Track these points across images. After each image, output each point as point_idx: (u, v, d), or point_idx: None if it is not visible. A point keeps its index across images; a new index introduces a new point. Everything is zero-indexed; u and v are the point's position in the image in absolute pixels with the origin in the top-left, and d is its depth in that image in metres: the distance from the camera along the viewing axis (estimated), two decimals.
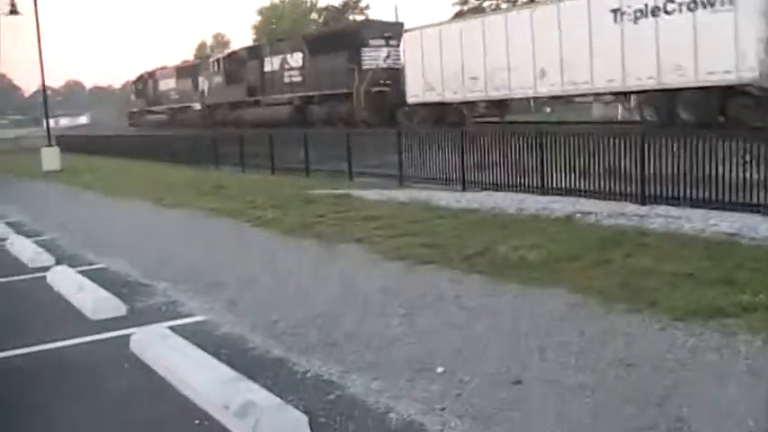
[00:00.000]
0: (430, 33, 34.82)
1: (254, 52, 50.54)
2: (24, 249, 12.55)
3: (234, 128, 44.48)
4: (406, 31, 37.59)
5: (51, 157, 33.56)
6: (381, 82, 38.12)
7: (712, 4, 22.96)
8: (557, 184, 15.27)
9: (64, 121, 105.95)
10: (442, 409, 5.20)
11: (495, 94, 31.39)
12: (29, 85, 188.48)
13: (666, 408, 4.98)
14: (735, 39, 22.25)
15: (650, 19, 24.91)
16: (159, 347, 6.56)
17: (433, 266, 9.20)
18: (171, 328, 7.22)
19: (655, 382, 5.38)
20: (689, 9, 23.60)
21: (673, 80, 24.27)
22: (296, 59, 44.29)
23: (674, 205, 12.67)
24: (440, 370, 5.89)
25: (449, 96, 33.43)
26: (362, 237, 11.26)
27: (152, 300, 8.97)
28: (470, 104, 33.30)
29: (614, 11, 25.82)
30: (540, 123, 29.69)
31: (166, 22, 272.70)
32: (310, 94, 42.34)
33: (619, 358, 5.86)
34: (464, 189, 16.94)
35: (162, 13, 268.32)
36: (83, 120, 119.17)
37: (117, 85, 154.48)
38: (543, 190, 15.32)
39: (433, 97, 34.25)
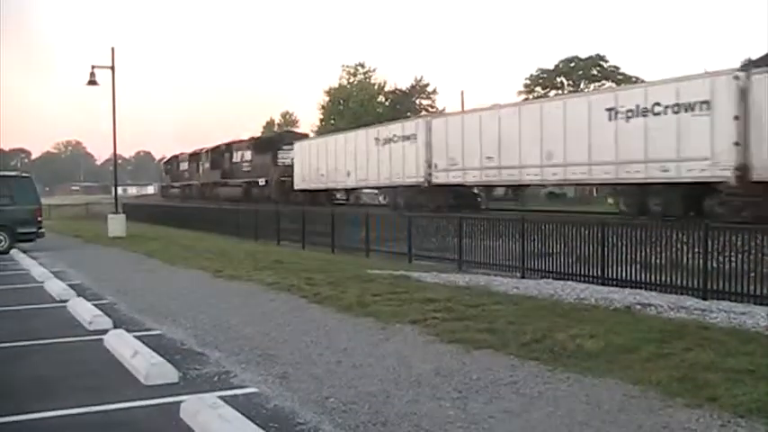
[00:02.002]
0: (307, 144, 53.50)
1: (228, 147, 67.31)
2: (84, 312, 12.67)
3: (213, 201, 60.60)
4: (296, 140, 55.52)
5: (117, 224, 34.30)
6: (287, 174, 53.88)
7: (408, 138, 39.83)
8: (617, 274, 15.13)
9: (132, 190, 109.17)
10: None
11: (330, 186, 48.77)
12: (101, 153, 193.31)
13: None
14: (416, 160, 39.00)
15: (388, 145, 41.64)
16: (209, 416, 6.53)
17: (489, 351, 9.10)
18: (222, 397, 7.18)
19: None
20: (403, 140, 40.28)
21: (395, 181, 40.91)
22: (248, 155, 61.71)
23: (736, 301, 12.46)
24: None
25: (312, 186, 50.32)
26: (419, 318, 11.20)
27: (205, 368, 8.97)
28: (325, 191, 50.12)
29: (375, 139, 42.93)
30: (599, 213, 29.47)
31: (238, 99, 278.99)
32: (251, 180, 59.33)
33: None
34: (523, 276, 16.87)
35: (234, 89, 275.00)
36: (150, 189, 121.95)
37: None
38: (603, 280, 15.21)
39: (305, 186, 51.09)
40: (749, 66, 29.15)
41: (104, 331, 10.98)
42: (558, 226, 17.40)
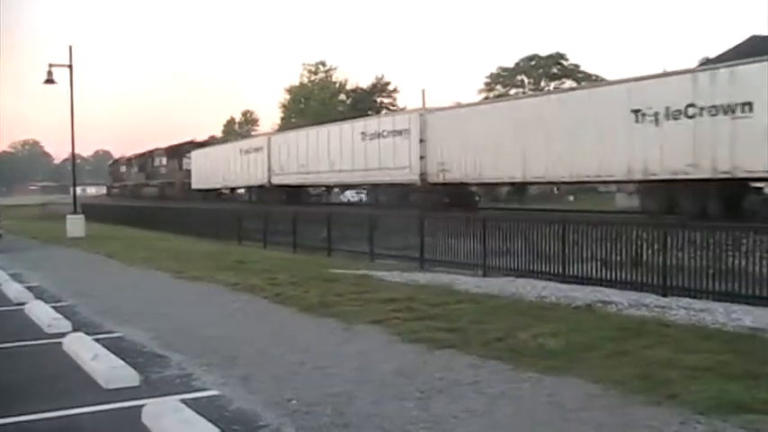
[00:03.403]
0: (201, 152, 68.31)
1: (151, 154, 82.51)
2: (43, 314, 12.51)
3: (139, 199, 73.66)
4: (194, 149, 70.57)
5: (76, 225, 33.92)
6: (189, 177, 67.57)
7: (258, 150, 54.86)
8: (578, 272, 15.22)
9: (91, 190, 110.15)
10: None
11: (215, 186, 62.70)
12: (59, 153, 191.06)
13: None
14: (262, 167, 53.91)
15: (247, 155, 56.51)
16: (171, 420, 6.48)
17: (451, 351, 9.11)
18: (184, 401, 7.13)
19: None
20: (255, 152, 54.78)
21: (251, 182, 55.90)
22: (164, 161, 77.15)
23: (696, 297, 12.58)
24: None
25: (203, 186, 64.49)
26: (381, 318, 11.20)
27: (166, 371, 8.89)
28: (212, 190, 63.62)
29: (240, 150, 58.52)
30: (562, 212, 29.77)
31: (199, 97, 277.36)
32: (165, 181, 75.54)
33: None
34: (485, 274, 16.90)
35: (195, 88, 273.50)
36: None
37: None
38: (564, 278, 15.28)
39: (199, 186, 65.37)
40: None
41: (63, 334, 10.85)
42: (519, 224, 17.45)
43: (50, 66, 33.99)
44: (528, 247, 16.73)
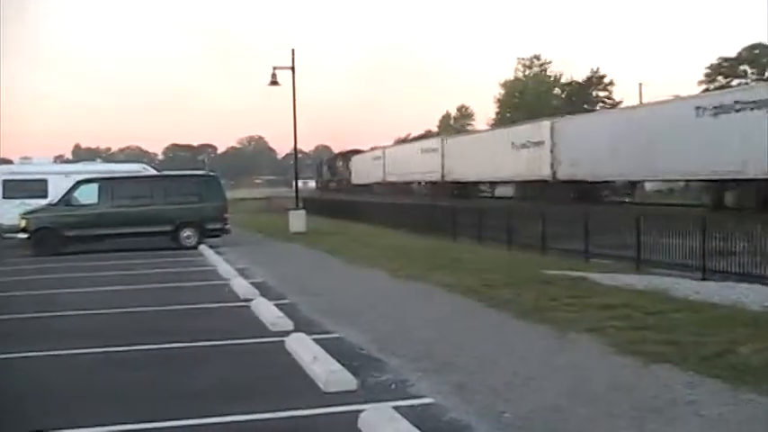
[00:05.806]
0: (359, 156, 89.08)
1: (335, 157, 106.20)
2: (267, 313, 13.11)
3: (327, 192, 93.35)
4: (354, 155, 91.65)
5: (298, 220, 35.12)
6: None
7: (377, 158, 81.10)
8: None
9: (312, 184, 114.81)
10: None
11: (368, 182, 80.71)
12: (282, 148, 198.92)
13: None
14: (380, 171, 78.42)
15: (376, 161, 79.85)
16: (386, 430, 6.68)
17: (667, 365, 8.86)
18: (398, 407, 7.28)
19: None
20: (374, 160, 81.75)
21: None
22: (341, 163, 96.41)
23: None
24: None
25: (360, 182, 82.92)
26: (596, 326, 11.02)
27: (383, 376, 9.10)
28: (365, 185, 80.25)
29: (374, 158, 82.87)
30: None
31: (414, 92, 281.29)
32: (340, 178, 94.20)
33: None
34: (704, 277, 16.29)
35: (409, 83, 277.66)
36: None
37: None
38: None
39: (357, 182, 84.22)
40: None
41: (286, 333, 11.33)
42: (741, 222, 16.74)
43: (274, 69, 35.55)
44: (751, 248, 16.00)
